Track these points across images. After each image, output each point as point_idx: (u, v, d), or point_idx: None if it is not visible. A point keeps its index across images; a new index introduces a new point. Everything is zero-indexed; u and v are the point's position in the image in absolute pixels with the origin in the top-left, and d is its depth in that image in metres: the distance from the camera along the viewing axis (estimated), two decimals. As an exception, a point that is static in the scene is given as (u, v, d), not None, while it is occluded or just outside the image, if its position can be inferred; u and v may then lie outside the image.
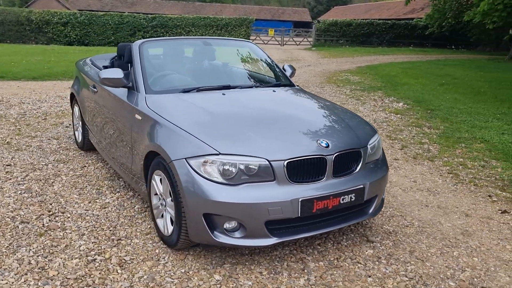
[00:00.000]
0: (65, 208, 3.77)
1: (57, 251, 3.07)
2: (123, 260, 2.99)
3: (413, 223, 3.72)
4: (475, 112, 8.18)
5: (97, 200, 3.95)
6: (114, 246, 3.18)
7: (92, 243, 3.20)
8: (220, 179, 2.75)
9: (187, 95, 3.62)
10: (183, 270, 2.90)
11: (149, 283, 2.75)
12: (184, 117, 3.18)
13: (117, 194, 4.11)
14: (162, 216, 3.25)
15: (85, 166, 4.83)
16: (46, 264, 2.91)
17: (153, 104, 3.42)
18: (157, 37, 26.51)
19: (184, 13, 46.72)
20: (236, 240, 2.80)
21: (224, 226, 2.79)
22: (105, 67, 4.81)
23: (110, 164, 4.26)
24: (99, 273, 2.83)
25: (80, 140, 5.32)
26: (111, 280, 2.76)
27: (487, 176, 4.93)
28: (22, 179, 4.36)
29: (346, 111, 3.77)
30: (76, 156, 5.17)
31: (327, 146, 2.97)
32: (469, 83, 11.96)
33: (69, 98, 6.58)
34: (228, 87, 3.85)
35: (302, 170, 2.87)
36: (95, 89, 4.47)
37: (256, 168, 2.76)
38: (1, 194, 3.99)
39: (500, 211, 4.02)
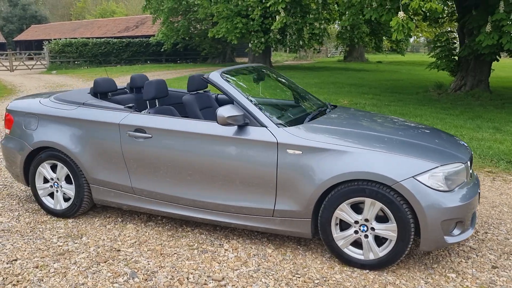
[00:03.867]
0: (225, 275, 3.17)
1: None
2: (373, 293, 2.94)
3: None
4: (393, 111, 9.74)
5: (227, 260, 3.40)
6: (337, 284, 3.02)
7: (317, 292, 2.95)
8: (444, 188, 3.10)
9: (319, 121, 3.65)
10: (436, 277, 3.11)
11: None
12: (365, 141, 3.28)
13: (230, 244, 3.63)
14: (355, 243, 3.26)
15: (123, 232, 3.89)
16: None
17: (309, 135, 3.32)
18: None
19: None
20: (457, 237, 3.19)
21: (449, 228, 3.14)
22: (130, 107, 3.98)
23: (191, 215, 3.68)
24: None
25: (66, 206, 4.13)
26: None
27: None
28: (84, 268, 3.26)
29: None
30: (82, 224, 4.04)
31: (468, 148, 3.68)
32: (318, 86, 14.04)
33: None
34: (324, 111, 4.01)
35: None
36: (146, 135, 3.69)
37: (461, 171, 3.23)
38: (106, 290, 2.97)
39: None
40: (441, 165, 3.12)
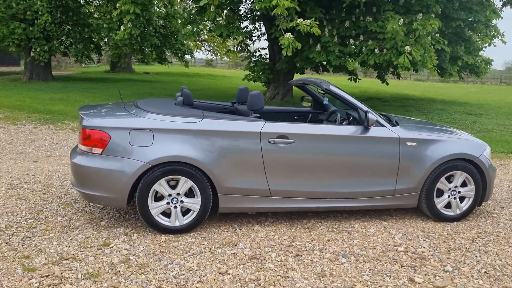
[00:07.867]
0: (392, 241, 4.05)
1: None
2: None
3: None
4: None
5: (374, 234, 4.28)
6: (454, 233, 4.36)
7: None
8: (489, 160, 4.83)
9: (405, 121, 4.87)
10: (502, 221, 4.77)
11: None
12: (446, 133, 4.75)
13: (356, 224, 4.45)
14: (447, 204, 4.66)
15: (261, 234, 4.16)
16: None
17: (412, 132, 4.54)
18: None
19: None
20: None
21: (492, 186, 4.89)
22: (258, 117, 4.28)
23: (323, 206, 4.36)
24: None
25: (188, 221, 4.08)
26: None
27: None
28: (298, 261, 3.61)
29: None
30: (208, 235, 4.07)
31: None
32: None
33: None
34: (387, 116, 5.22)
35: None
36: (289, 140, 4.13)
37: None
38: None
39: None
40: (487, 146, 4.84)
